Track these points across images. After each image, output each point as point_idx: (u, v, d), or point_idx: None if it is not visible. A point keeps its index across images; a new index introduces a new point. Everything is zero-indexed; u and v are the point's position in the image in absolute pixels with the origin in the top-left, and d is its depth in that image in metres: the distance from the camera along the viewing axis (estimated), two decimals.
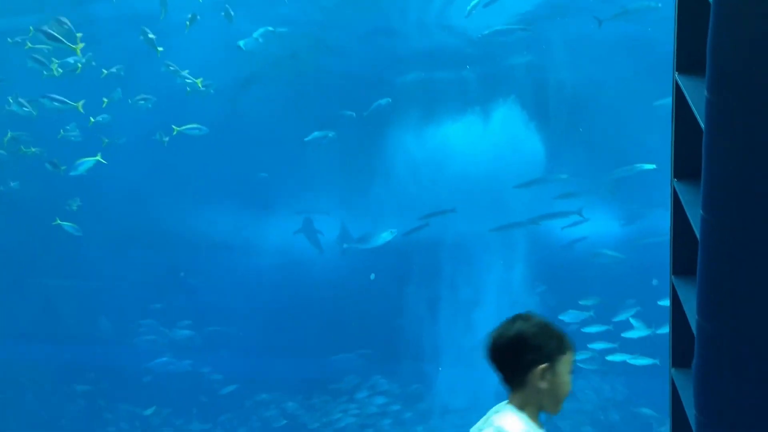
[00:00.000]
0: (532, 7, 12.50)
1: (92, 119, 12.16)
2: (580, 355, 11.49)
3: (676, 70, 3.64)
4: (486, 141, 13.19)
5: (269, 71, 13.30)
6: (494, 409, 2.54)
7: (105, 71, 11.98)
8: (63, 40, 10.57)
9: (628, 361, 11.01)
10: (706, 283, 3.33)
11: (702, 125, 3.13)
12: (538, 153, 13.10)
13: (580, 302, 11.69)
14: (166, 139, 12.37)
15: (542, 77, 13.07)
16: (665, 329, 10.71)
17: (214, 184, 13.85)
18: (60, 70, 11.56)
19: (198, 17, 11.82)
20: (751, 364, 3.30)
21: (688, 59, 3.56)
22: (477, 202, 12.55)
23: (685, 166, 3.71)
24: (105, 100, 12.07)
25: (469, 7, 12.15)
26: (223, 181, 13.84)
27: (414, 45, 13.23)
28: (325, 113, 13.19)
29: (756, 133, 2.94)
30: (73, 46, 10.61)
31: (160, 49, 11.72)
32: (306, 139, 12.74)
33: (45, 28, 10.53)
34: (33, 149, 12.09)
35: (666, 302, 11.42)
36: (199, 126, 12.17)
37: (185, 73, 12.00)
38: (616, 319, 11.20)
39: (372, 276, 13.88)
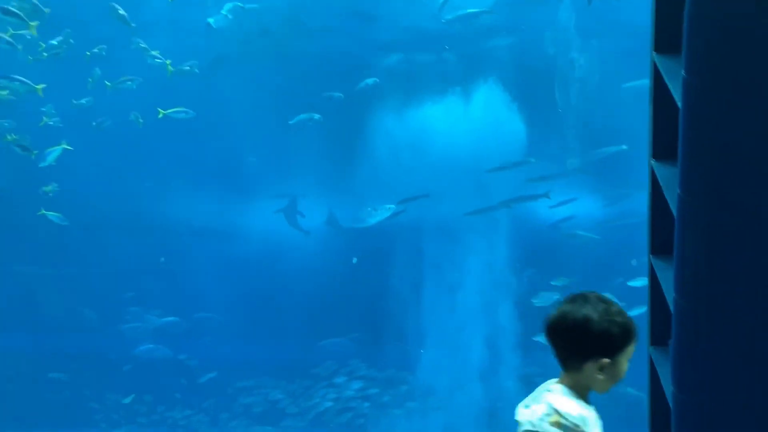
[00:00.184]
0: None
1: (74, 101, 11.96)
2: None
3: (654, 50, 3.65)
4: (467, 122, 13.20)
5: (242, 50, 13.09)
6: (544, 386, 2.45)
7: (88, 53, 11.75)
8: (21, 15, 10.28)
9: None
10: (683, 261, 3.37)
11: (679, 105, 3.15)
12: (520, 134, 13.12)
13: (552, 282, 11.81)
14: (141, 120, 12.16)
15: (523, 58, 13.07)
16: (637, 310, 10.89)
17: (195, 168, 13.75)
18: (45, 54, 11.34)
19: None
20: (726, 340, 3.36)
21: (665, 39, 3.58)
22: (459, 184, 12.58)
23: (662, 147, 3.73)
24: (90, 80, 11.84)
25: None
26: (204, 166, 13.73)
27: (394, 26, 13.16)
28: (304, 95, 13.11)
29: (732, 111, 2.97)
30: (32, 23, 10.32)
31: (133, 25, 11.50)
32: (291, 122, 12.66)
33: (6, 5, 10.25)
34: (11, 136, 11.83)
35: (637, 283, 11.60)
36: (185, 109, 12.00)
37: (155, 53, 11.77)
38: None
39: (354, 260, 13.88)
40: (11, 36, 10.71)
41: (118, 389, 13.25)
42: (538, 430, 2.28)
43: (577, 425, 2.28)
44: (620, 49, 12.06)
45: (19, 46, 10.93)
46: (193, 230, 14.04)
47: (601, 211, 12.96)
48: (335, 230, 14.05)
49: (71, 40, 11.69)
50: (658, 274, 3.81)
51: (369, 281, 13.55)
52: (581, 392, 2.40)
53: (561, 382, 2.43)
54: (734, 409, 3.42)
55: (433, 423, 12.23)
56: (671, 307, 3.49)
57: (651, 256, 3.95)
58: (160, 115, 11.92)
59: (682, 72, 2.98)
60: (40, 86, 11.05)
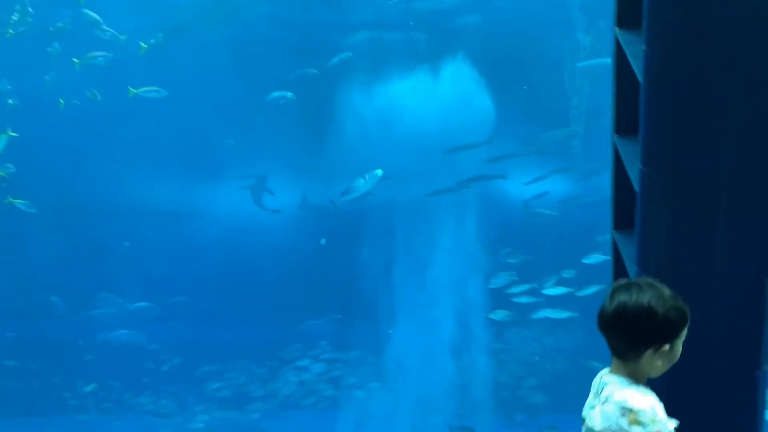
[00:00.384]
0: None
1: (46, 78, 11.62)
2: (505, 312, 11.83)
3: (617, 26, 3.67)
4: (436, 100, 13.16)
5: (200, 22, 12.78)
6: (600, 380, 2.39)
7: (52, 28, 11.40)
8: None
9: (549, 315, 11.34)
10: (644, 234, 3.42)
11: (640, 79, 3.17)
12: (488, 111, 13.12)
13: (509, 260, 11.96)
14: (99, 97, 11.84)
15: (492, 35, 13.04)
16: (592, 288, 11.09)
17: (159, 149, 13.51)
18: (11, 31, 10.99)
19: None
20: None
21: (627, 14, 3.59)
22: (428, 162, 12.56)
23: (625, 122, 3.76)
24: (52, 56, 11.50)
25: None
26: (169, 146, 13.49)
27: (360, 3, 13.02)
28: (271, 73, 12.93)
29: (691, 84, 3.00)
30: None
31: None
32: (266, 98, 12.50)
33: None
34: None
35: (591, 260, 11.72)
36: (157, 88, 11.74)
37: (105, 27, 11.42)
38: (553, 276, 11.36)
39: (323, 241, 13.82)
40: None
41: (86, 376, 13.11)
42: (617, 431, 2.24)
43: (653, 417, 2.27)
44: (590, 27, 12.08)
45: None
46: (159, 213, 13.83)
47: (573, 188, 13.02)
48: (310, 213, 13.96)
49: (29, 19, 11.35)
50: (621, 249, 3.85)
51: (339, 262, 13.53)
52: (640, 379, 2.38)
53: (618, 372, 2.37)
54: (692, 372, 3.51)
55: (403, 402, 12.32)
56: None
57: (614, 231, 3.99)
58: (131, 95, 11.60)
59: (643, 46, 3.00)
60: None
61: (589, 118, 11.84)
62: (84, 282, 13.40)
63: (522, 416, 12.66)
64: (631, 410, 2.23)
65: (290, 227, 14.19)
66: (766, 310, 3.32)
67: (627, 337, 2.32)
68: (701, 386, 3.48)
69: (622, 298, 2.35)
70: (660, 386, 3.61)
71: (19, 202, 11.88)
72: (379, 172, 12.10)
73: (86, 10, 11.30)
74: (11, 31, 11.04)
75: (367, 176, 12.14)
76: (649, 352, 2.31)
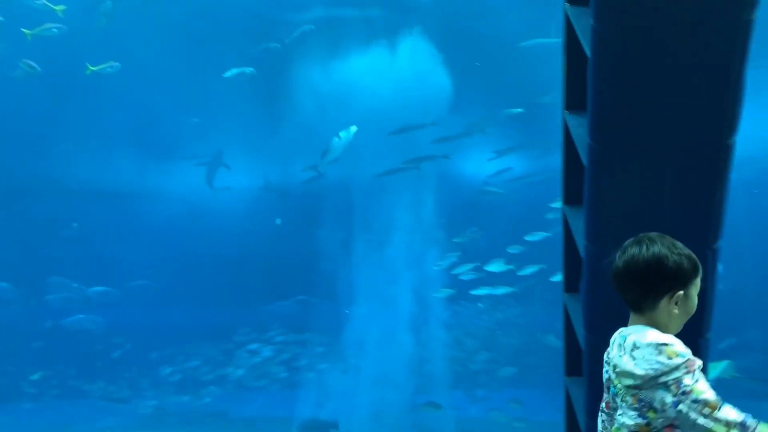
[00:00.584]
0: None
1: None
2: (448, 291, 11.98)
3: (566, 1, 3.68)
4: (393, 76, 13.06)
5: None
6: (620, 336, 2.36)
7: None
8: None
9: (490, 292, 11.57)
10: (592, 207, 3.47)
11: (589, 54, 3.20)
12: (446, 87, 13.09)
13: (454, 240, 12.08)
14: (38, 68, 11.37)
15: (448, 10, 12.95)
16: (531, 268, 11.29)
17: (111, 127, 13.16)
18: None
19: None
20: None
21: None
22: (384, 140, 12.51)
23: (575, 98, 3.79)
24: None
25: None
26: (121, 125, 13.14)
27: None
28: (230, 48, 12.69)
29: (639, 58, 3.03)
30: None
31: None
32: (225, 75, 12.25)
33: None
34: None
35: (533, 237, 11.82)
36: (111, 63, 11.33)
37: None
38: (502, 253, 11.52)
39: (278, 221, 13.69)
40: None
41: (38, 363, 12.84)
42: (663, 369, 2.22)
43: (684, 347, 2.27)
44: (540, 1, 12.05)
45: None
46: (111, 194, 13.52)
47: (533, 166, 13.05)
48: (270, 193, 13.80)
49: None
50: (571, 224, 3.90)
51: (297, 243, 13.44)
52: (661, 330, 2.37)
53: (638, 323, 2.36)
54: None
55: (363, 380, 12.37)
56: (582, 253, 3.60)
57: (564, 206, 4.04)
58: (89, 72, 11.19)
59: (591, 21, 3.02)
60: None
61: (546, 94, 11.90)
62: (33, 266, 13.07)
63: (482, 391, 12.84)
64: (665, 344, 2.25)
65: (249, 208, 14.03)
66: (709, 281, 3.40)
67: (641, 288, 2.34)
68: None
69: (633, 250, 2.38)
70: None
71: None
72: (354, 128, 11.97)
73: None
74: None
75: (341, 134, 12.02)
76: (664, 301, 2.33)
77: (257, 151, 13.82)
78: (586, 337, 3.74)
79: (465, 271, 11.68)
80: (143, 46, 12.36)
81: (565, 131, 3.98)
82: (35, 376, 12.56)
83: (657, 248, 2.37)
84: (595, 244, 3.47)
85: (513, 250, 11.27)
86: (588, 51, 3.19)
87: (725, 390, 2.41)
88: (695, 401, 2.20)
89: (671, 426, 2.26)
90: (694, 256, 2.42)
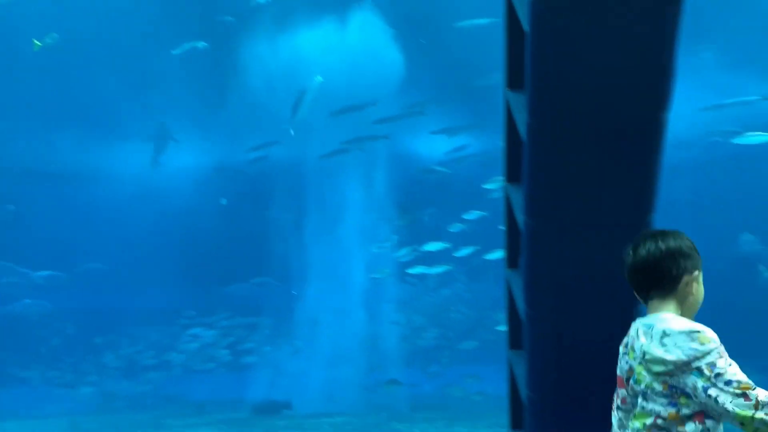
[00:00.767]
0: None
1: None
2: (386, 271, 12.08)
3: None
4: (343, 51, 12.92)
5: None
6: (645, 323, 2.36)
7: None
8: None
9: (425, 271, 11.79)
10: (531, 184, 3.50)
11: (526, 29, 3.20)
12: (397, 63, 13.00)
13: (395, 222, 12.16)
14: None
15: None
16: (465, 250, 11.40)
17: (54, 106, 12.70)
18: None
19: None
20: (570, 256, 3.56)
21: None
22: (333, 118, 12.38)
23: (515, 77, 3.80)
24: None
25: None
26: (64, 103, 12.70)
27: None
28: (171, 25, 12.36)
29: (575, 32, 3.05)
30: None
31: None
32: (174, 51, 11.95)
33: None
34: None
35: (471, 216, 11.88)
36: (54, 34, 10.88)
37: None
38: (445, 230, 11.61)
39: (223, 201, 13.50)
40: None
41: None
42: (696, 354, 2.23)
43: (712, 333, 2.29)
44: None
45: None
46: (52, 174, 13.13)
47: (481, 144, 13.09)
48: (220, 172, 13.58)
49: None
50: (512, 200, 3.93)
51: (245, 223, 13.29)
52: (684, 315, 2.41)
53: (659, 311, 2.39)
54: (575, 313, 3.66)
55: (316, 360, 12.37)
56: (521, 228, 3.64)
57: (506, 183, 4.07)
58: (36, 48, 10.77)
59: None
60: None
61: (495, 72, 11.94)
62: None
63: (436, 366, 12.97)
64: (698, 331, 2.28)
65: (198, 188, 13.80)
66: None
67: (660, 276, 2.40)
68: (583, 326, 3.65)
69: (650, 245, 2.44)
70: (545, 328, 3.77)
71: None
72: (319, 78, 11.85)
73: None
74: None
75: (307, 88, 11.90)
76: (684, 280, 2.39)
77: (205, 129, 13.58)
78: (526, 311, 3.79)
79: (405, 253, 11.77)
80: (84, 17, 11.97)
81: (506, 109, 3.99)
82: None
83: (672, 241, 2.44)
84: (534, 218, 3.51)
85: (454, 229, 11.38)
86: (526, 27, 3.19)
87: None
88: (728, 382, 2.22)
89: (702, 413, 2.27)
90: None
